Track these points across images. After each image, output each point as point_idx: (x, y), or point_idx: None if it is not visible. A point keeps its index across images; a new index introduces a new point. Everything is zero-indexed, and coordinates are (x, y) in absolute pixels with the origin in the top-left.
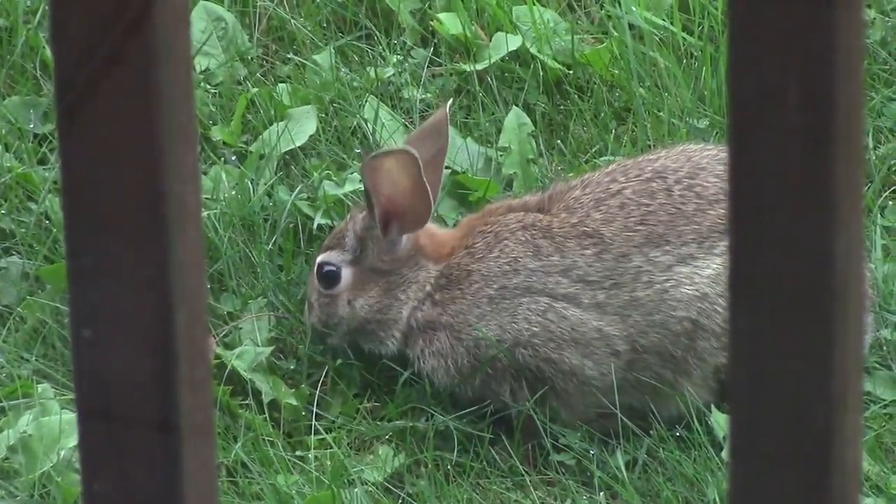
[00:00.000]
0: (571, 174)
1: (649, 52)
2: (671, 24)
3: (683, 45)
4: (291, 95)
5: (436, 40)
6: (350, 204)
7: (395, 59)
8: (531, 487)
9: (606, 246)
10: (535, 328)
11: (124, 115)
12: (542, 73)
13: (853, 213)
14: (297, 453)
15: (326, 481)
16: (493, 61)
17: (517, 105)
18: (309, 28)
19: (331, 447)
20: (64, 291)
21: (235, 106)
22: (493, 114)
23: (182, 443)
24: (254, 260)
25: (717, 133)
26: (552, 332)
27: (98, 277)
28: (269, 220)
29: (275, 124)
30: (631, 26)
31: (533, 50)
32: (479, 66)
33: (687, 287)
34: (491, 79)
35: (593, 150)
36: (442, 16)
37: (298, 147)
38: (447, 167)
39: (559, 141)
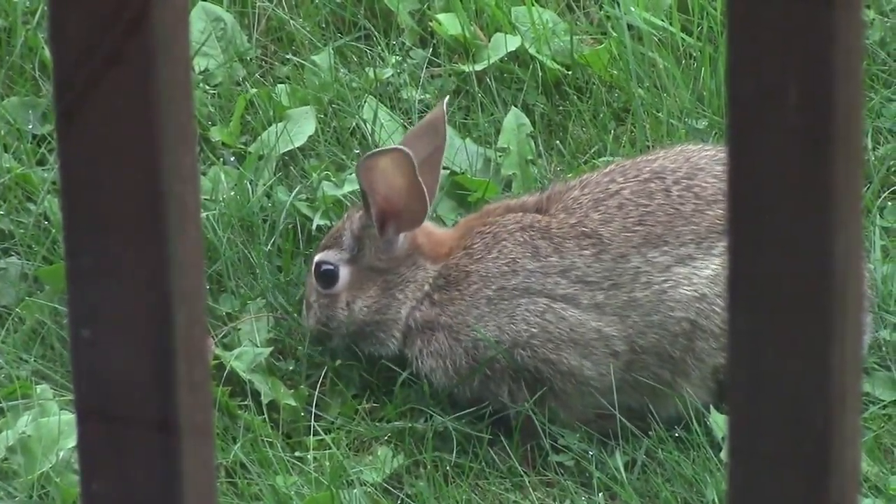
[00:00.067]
0: (570, 175)
1: (648, 53)
2: (670, 24)
3: (682, 45)
4: (290, 96)
5: (435, 41)
6: (349, 204)
7: (393, 60)
8: (530, 488)
9: (605, 246)
10: (533, 329)
11: (123, 115)
12: (540, 74)
13: (852, 214)
14: (296, 454)
15: (325, 482)
16: (491, 62)
17: (516, 106)
18: (308, 29)
19: (330, 448)
20: (63, 292)
21: (234, 106)
22: (491, 114)
23: (181, 443)
24: (253, 261)
25: (716, 133)
26: (551, 333)
27: (97, 278)
28: (268, 221)
29: (274, 125)
30: (630, 27)
31: (532, 50)
32: (478, 67)
33: (685, 288)
34: (490, 79)
35: (592, 150)
36: (441, 16)
37: (297, 148)
38: (446, 168)
39: (558, 141)
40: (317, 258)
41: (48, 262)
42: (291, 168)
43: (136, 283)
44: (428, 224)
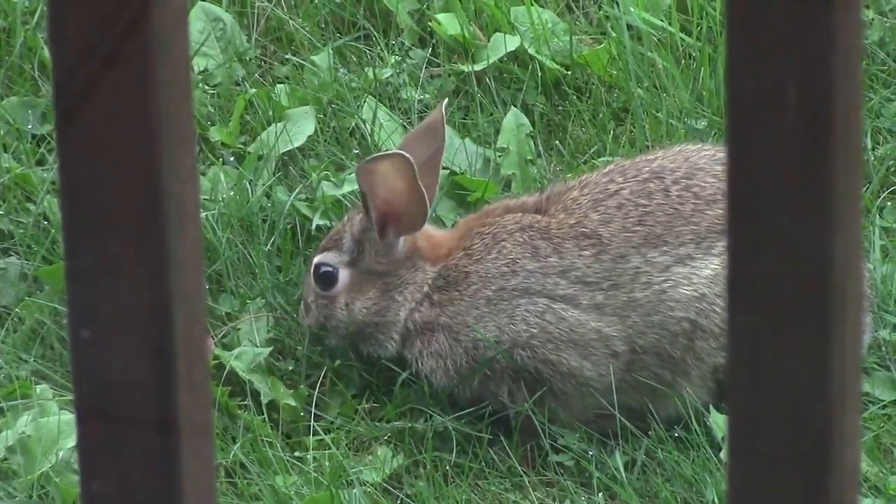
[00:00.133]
0: (570, 175)
1: (647, 53)
2: (669, 24)
3: (682, 45)
4: (290, 96)
5: (434, 41)
6: (348, 205)
7: (393, 60)
8: (530, 488)
9: (604, 247)
10: (533, 329)
11: (123, 115)
12: (540, 74)
13: (852, 214)
14: (296, 454)
15: (325, 482)
16: (491, 62)
17: (515, 106)
18: (307, 29)
19: (329, 448)
20: (62, 292)
21: (234, 106)
22: (491, 114)
23: (181, 443)
24: (252, 261)
25: (715, 133)
26: (550, 334)
27: (97, 278)
28: (268, 221)
29: (273, 125)
30: (629, 27)
31: (531, 50)
32: (478, 67)
33: (685, 287)
34: (489, 79)
35: (592, 150)
36: (440, 16)
37: (297, 148)
38: (445, 167)
39: (557, 141)
40: (316, 260)
41: (48, 262)
42: (291, 168)
43: (135, 283)
44: (427, 227)
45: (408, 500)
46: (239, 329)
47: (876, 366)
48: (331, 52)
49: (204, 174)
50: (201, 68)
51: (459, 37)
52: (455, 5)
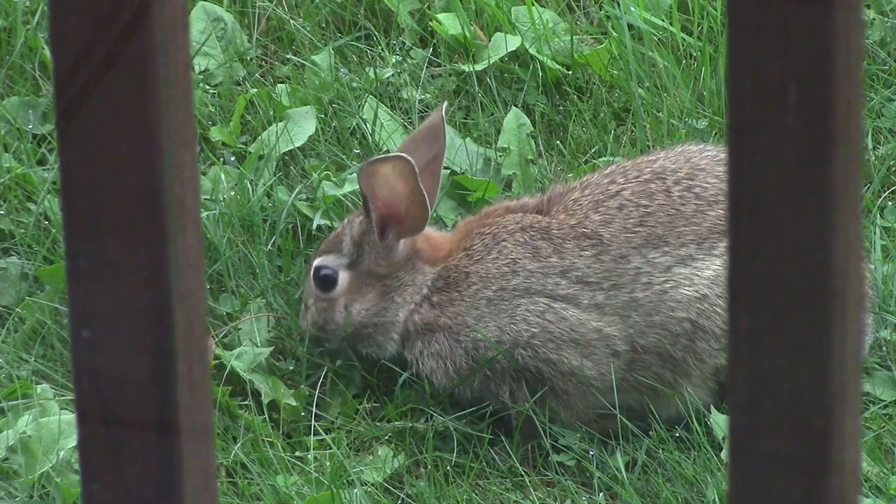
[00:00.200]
0: (571, 175)
1: (648, 53)
2: (670, 24)
3: (682, 45)
4: (290, 96)
5: (435, 41)
6: (349, 205)
7: (394, 60)
8: (531, 488)
9: (605, 247)
10: (534, 329)
11: (123, 116)
12: (541, 74)
13: (852, 214)
14: (297, 454)
15: (326, 482)
16: (492, 62)
17: (516, 105)
18: (308, 28)
19: (330, 448)
20: (63, 292)
21: (234, 106)
22: (492, 114)
23: (181, 443)
24: (253, 260)
25: (716, 133)
26: (551, 333)
27: (97, 278)
28: (269, 221)
29: (274, 125)
30: (630, 27)
31: (532, 50)
32: (479, 67)
33: (686, 288)
34: (490, 79)
35: (592, 150)
36: (441, 16)
37: (297, 148)
38: (446, 167)
39: (558, 141)
40: (316, 262)
41: (48, 262)
42: (292, 168)
43: (136, 283)
44: (427, 228)
45: (409, 500)
46: (240, 329)
47: (877, 366)
48: (332, 51)
49: (205, 174)
50: (202, 68)
51: (460, 37)
52: (456, 5)
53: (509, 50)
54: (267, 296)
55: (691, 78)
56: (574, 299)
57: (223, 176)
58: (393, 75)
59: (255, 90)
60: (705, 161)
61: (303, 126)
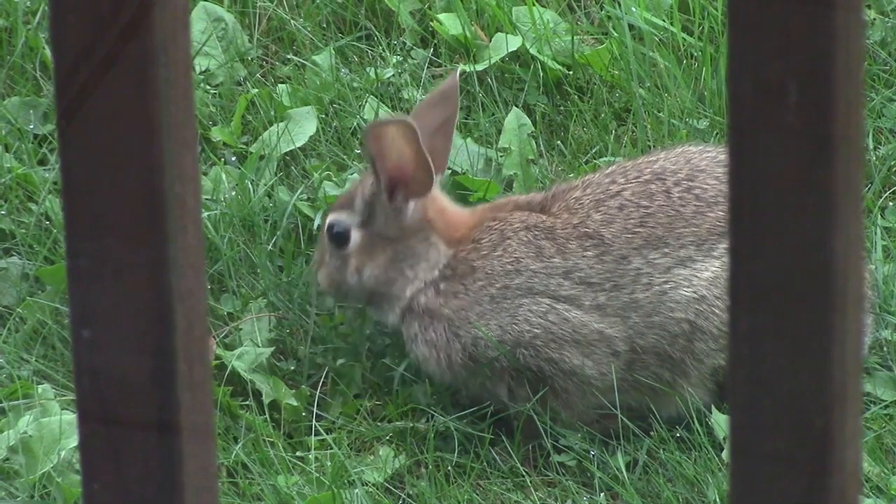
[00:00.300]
0: (571, 175)
1: (649, 53)
2: (671, 24)
3: (683, 45)
4: (291, 96)
5: (436, 41)
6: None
7: (394, 60)
8: (532, 488)
9: (607, 248)
10: (536, 330)
11: (124, 116)
12: (542, 74)
13: (853, 214)
14: (298, 454)
15: (327, 482)
16: (492, 62)
17: (517, 106)
18: (309, 29)
19: (331, 448)
20: (64, 292)
21: (235, 107)
22: (493, 114)
23: (182, 443)
24: (254, 261)
25: (717, 134)
26: (554, 334)
27: (98, 278)
28: (270, 221)
29: (275, 125)
30: (631, 27)
31: (533, 50)
32: (479, 67)
33: (685, 289)
34: (491, 79)
35: (593, 150)
36: (442, 16)
37: (298, 148)
38: (447, 167)
39: (559, 142)
40: (330, 218)
41: (49, 262)
42: (293, 168)
43: (137, 283)
44: (441, 198)
45: (409, 500)
46: (241, 329)
47: (878, 366)
48: (332, 52)
49: (206, 174)
50: (203, 68)
51: (461, 37)
52: (457, 5)
53: (510, 50)
54: (268, 296)
55: (692, 78)
56: (576, 300)
57: (224, 176)
58: (394, 75)
59: (256, 90)
60: (705, 162)
61: (304, 126)
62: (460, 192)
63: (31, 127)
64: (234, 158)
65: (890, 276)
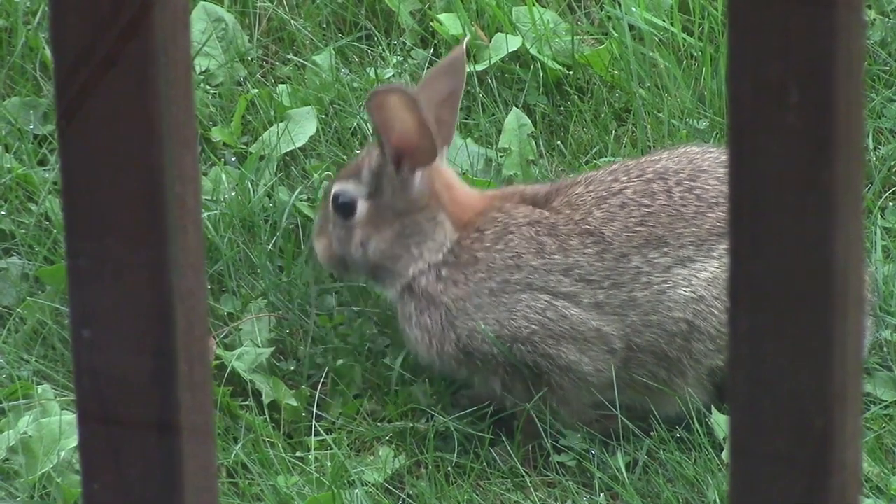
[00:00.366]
0: (572, 175)
1: (649, 53)
2: (671, 24)
3: (683, 45)
4: (291, 96)
5: (436, 41)
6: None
7: (395, 60)
8: (531, 488)
9: (607, 245)
10: (534, 326)
11: (124, 116)
12: (542, 74)
13: (853, 214)
14: (298, 454)
15: (327, 482)
16: (493, 62)
17: (517, 106)
18: (309, 29)
19: (331, 448)
20: (64, 292)
21: (235, 107)
22: (493, 114)
23: (182, 443)
24: (254, 261)
25: (717, 134)
26: (551, 331)
27: (98, 278)
28: (270, 221)
29: (275, 125)
30: (631, 27)
31: (533, 51)
32: (479, 67)
33: (684, 289)
34: (491, 80)
35: (593, 150)
36: (442, 16)
37: (298, 148)
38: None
39: (559, 142)
40: (336, 188)
41: (49, 263)
42: (293, 168)
43: (137, 283)
44: (449, 173)
45: (409, 501)
46: (241, 329)
47: (878, 366)
48: (332, 52)
49: (206, 174)
50: (203, 68)
51: (461, 37)
52: (457, 5)
53: (510, 50)
54: (268, 296)
55: (692, 78)
56: (575, 297)
57: (224, 176)
58: (394, 76)
59: (256, 90)
60: (707, 163)
61: (304, 126)
62: None
63: (31, 127)
64: (234, 158)
65: (890, 277)
